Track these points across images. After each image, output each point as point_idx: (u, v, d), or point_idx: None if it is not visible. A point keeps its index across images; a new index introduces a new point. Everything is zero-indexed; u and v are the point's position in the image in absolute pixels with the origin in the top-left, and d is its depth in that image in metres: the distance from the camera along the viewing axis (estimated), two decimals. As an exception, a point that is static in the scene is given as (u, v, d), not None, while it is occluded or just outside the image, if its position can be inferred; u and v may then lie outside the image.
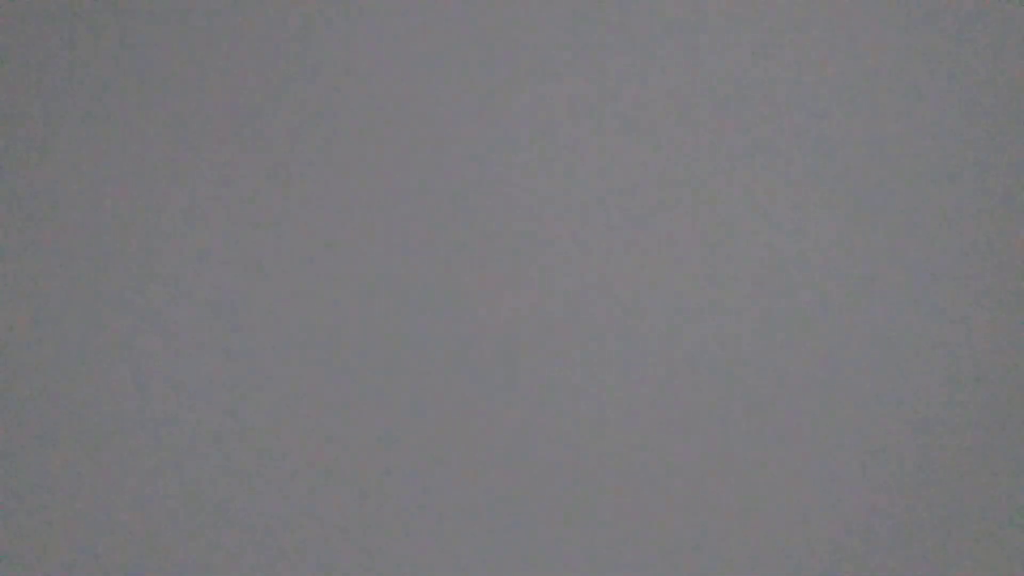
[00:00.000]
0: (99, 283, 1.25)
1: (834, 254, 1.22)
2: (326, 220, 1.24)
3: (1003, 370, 1.21)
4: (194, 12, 1.27)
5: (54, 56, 1.27)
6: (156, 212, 1.25)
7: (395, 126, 1.25)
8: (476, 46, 1.25)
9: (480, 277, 1.23)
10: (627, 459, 1.22)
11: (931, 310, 1.21)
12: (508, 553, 1.22)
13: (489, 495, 1.22)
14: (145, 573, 1.23)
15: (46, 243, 1.25)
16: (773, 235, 1.22)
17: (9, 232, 1.26)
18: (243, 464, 1.23)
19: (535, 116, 1.24)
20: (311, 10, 1.26)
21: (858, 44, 1.23)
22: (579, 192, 1.23)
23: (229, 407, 1.23)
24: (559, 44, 1.25)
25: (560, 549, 1.22)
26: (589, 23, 1.24)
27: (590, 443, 1.22)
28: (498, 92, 1.24)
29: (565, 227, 1.23)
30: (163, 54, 1.26)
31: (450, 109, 1.25)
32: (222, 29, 1.26)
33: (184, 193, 1.25)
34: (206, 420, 1.23)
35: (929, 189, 1.22)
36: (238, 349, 1.24)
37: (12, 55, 1.27)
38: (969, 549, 1.20)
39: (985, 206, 1.22)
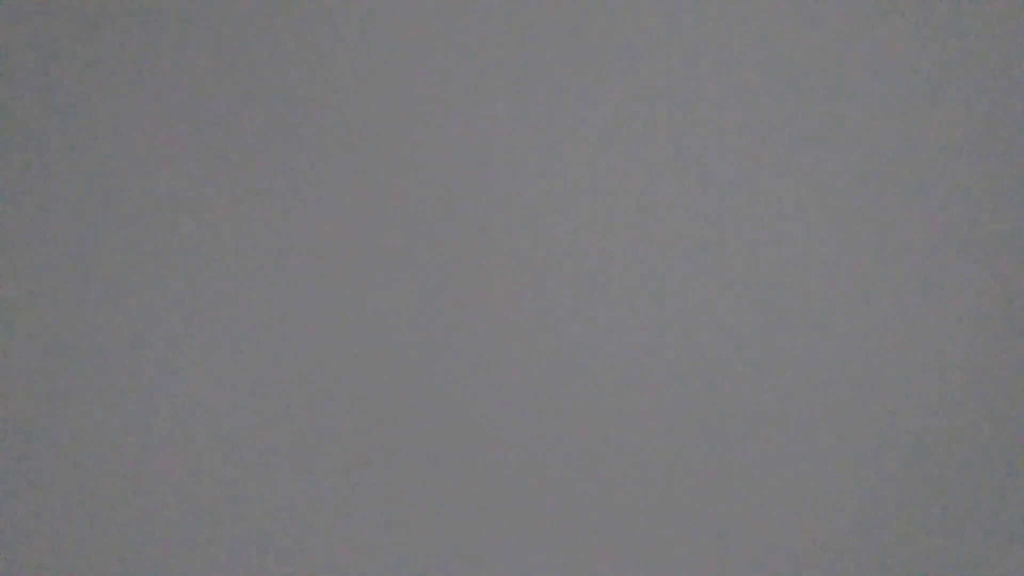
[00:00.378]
0: (99, 283, 1.25)
1: (834, 254, 1.22)
2: (326, 220, 1.24)
3: (1002, 370, 1.21)
4: (196, 12, 1.27)
5: (54, 56, 1.27)
6: (156, 212, 1.25)
7: (395, 126, 1.25)
8: (476, 46, 1.25)
9: (480, 277, 1.23)
10: (626, 459, 1.22)
11: (931, 310, 1.21)
12: (508, 553, 1.22)
13: (489, 495, 1.22)
14: (145, 573, 1.23)
15: (46, 243, 1.25)
16: (773, 235, 1.22)
17: (9, 232, 1.26)
18: (243, 464, 1.23)
19: (535, 116, 1.24)
20: (312, 10, 1.26)
21: (858, 44, 1.23)
22: (579, 192, 1.24)
23: (229, 407, 1.23)
24: (559, 44, 1.25)
25: (560, 549, 1.22)
26: (589, 23, 1.25)
27: (590, 443, 1.22)
28: (498, 92, 1.25)
29: (565, 227, 1.23)
30: (165, 54, 1.26)
31: (450, 109, 1.25)
32: (223, 30, 1.26)
33: (184, 193, 1.25)
34: (206, 420, 1.23)
35: (929, 189, 1.22)
36: (238, 349, 1.24)
37: (12, 55, 1.27)
38: (969, 549, 1.20)
39: (985, 206, 1.22)
